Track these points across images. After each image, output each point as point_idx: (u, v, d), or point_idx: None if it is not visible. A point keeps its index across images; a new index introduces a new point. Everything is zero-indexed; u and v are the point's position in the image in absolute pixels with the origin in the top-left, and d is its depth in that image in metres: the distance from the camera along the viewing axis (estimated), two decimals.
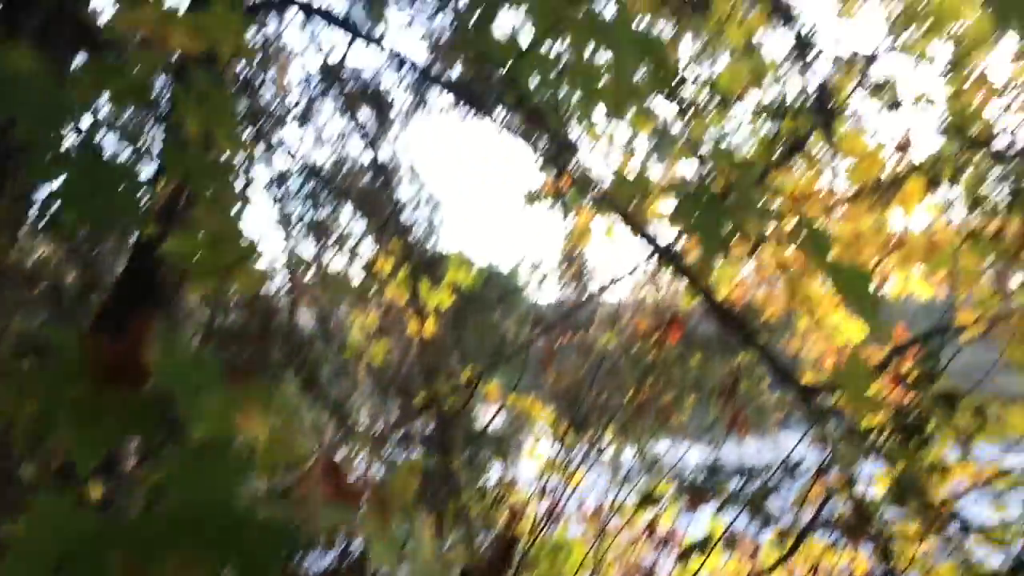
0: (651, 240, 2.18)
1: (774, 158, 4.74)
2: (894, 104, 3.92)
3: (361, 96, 6.27)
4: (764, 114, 5.10)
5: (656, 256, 2.00)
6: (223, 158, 1.57)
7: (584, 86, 1.69)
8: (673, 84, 4.57)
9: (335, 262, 6.45)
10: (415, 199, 7.15)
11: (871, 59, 4.18)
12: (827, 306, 5.68)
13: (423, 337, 5.35)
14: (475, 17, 1.66)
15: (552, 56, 1.75)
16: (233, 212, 1.54)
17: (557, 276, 6.70)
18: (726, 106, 5.39)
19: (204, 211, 1.49)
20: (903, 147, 4.58)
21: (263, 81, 5.66)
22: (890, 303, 5.58)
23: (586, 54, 1.61)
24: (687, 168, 6.15)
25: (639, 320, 5.67)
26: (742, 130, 6.08)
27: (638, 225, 1.90)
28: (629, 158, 6.33)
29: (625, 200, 1.81)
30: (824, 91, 4.19)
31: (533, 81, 1.78)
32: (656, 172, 6.61)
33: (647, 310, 5.56)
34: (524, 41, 1.76)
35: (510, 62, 1.75)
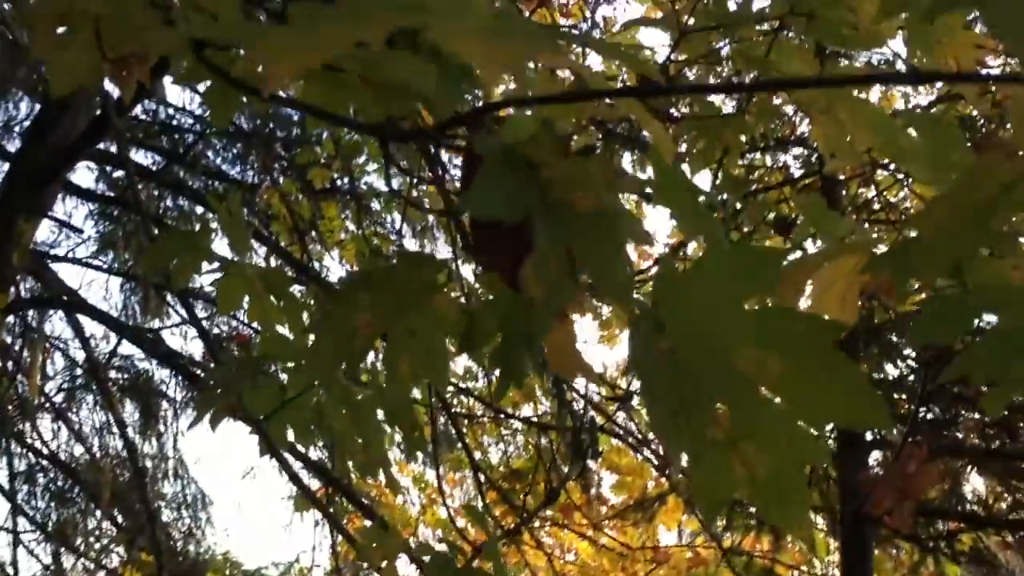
0: None
1: (546, 469, 4.84)
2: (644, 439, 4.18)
3: (127, 389, 5.99)
4: (534, 428, 5.28)
5: None
6: None
7: (339, 445, 1.69)
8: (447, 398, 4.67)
9: (76, 572, 5.79)
10: (178, 498, 6.68)
11: (629, 389, 4.49)
12: None
13: None
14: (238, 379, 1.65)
15: (313, 407, 1.76)
16: None
17: None
18: (499, 418, 5.55)
19: None
20: (663, 467, 4.83)
21: (16, 371, 5.30)
22: None
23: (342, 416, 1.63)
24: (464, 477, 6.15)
25: None
26: (516, 440, 6.23)
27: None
28: (404, 466, 6.27)
29: (378, 556, 1.76)
30: (587, 412, 4.42)
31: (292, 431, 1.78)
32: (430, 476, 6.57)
33: None
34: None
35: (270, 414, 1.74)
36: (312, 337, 1.48)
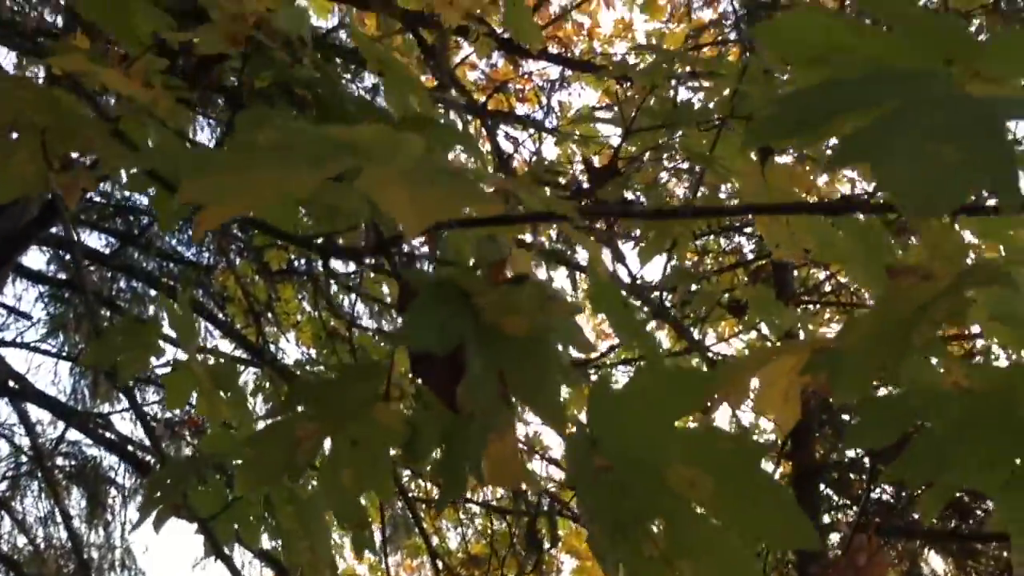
0: None
1: (500, 559, 4.77)
2: None
3: (74, 476, 5.82)
4: (491, 512, 5.21)
5: None
6: None
7: (286, 542, 1.68)
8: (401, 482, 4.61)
9: None
10: None
11: None
12: None
13: None
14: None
15: (263, 501, 1.74)
16: None
17: None
18: (456, 503, 5.47)
19: None
20: None
21: None
22: None
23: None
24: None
25: None
26: (475, 523, 6.14)
27: None
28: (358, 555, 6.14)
29: None
30: (541, 501, 4.37)
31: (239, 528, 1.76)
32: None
33: None
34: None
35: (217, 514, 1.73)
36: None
